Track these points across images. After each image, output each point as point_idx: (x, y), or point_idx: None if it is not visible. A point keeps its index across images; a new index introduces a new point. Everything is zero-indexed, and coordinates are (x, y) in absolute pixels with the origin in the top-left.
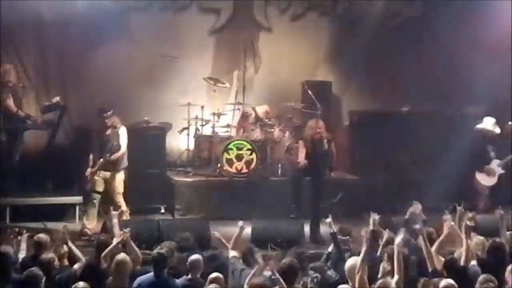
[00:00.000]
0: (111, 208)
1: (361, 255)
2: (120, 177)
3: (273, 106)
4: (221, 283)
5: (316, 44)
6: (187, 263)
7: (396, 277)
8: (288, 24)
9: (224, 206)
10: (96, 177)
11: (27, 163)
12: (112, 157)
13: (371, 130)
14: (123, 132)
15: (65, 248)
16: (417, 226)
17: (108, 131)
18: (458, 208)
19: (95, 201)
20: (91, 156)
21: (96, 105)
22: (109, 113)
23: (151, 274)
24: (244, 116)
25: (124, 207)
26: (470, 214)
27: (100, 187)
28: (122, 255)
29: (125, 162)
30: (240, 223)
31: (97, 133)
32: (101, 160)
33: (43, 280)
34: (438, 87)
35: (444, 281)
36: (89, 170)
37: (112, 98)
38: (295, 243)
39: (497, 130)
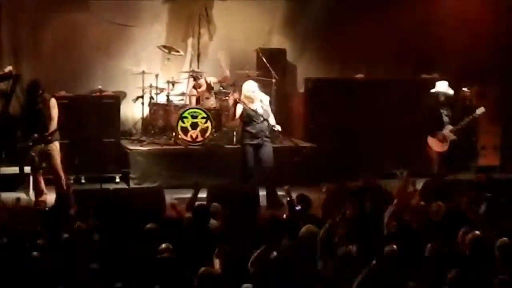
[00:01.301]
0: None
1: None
2: (56, 148)
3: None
4: (171, 253)
5: (270, 11)
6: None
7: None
8: None
9: (180, 174)
10: (32, 153)
11: None
12: (50, 129)
13: (326, 97)
14: (54, 104)
15: None
16: None
17: (39, 105)
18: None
19: (37, 175)
20: (19, 132)
21: (49, 75)
22: (39, 92)
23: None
24: (195, 79)
25: (63, 178)
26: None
27: (38, 162)
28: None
29: (57, 134)
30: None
31: (27, 107)
32: (35, 135)
33: None
34: (393, 54)
35: (388, 247)
36: (19, 145)
37: (65, 67)
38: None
39: (451, 92)
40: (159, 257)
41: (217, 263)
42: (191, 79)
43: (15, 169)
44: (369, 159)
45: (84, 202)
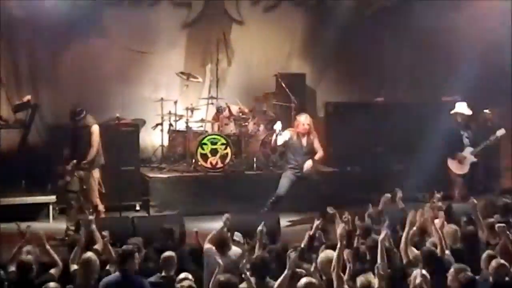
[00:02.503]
0: (88, 211)
1: (336, 251)
2: (95, 175)
3: (248, 99)
4: (191, 282)
5: (289, 36)
6: (160, 260)
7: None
8: (261, 15)
9: (200, 201)
10: (68, 177)
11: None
12: (88, 158)
13: (346, 121)
14: (95, 131)
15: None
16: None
17: (80, 131)
18: (436, 195)
19: (72, 201)
20: (65, 154)
21: (68, 102)
22: (81, 115)
23: (117, 273)
24: (218, 111)
25: (100, 206)
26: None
27: (75, 187)
28: (88, 254)
29: (99, 161)
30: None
31: (70, 133)
32: (74, 161)
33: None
34: (412, 77)
35: (416, 272)
36: (61, 167)
37: (84, 95)
38: (271, 237)
39: (469, 112)
40: (179, 286)
41: None
42: (213, 109)
43: (35, 199)
44: (390, 183)
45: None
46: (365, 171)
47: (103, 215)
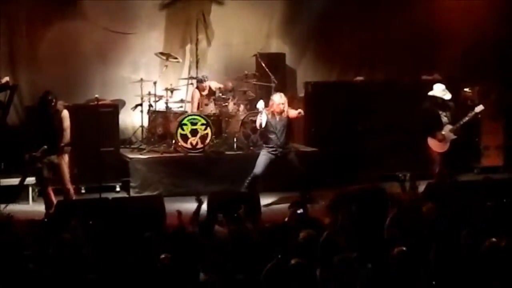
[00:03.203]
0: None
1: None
2: (66, 159)
3: (228, 79)
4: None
5: (268, 15)
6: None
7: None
8: None
9: (180, 182)
10: (40, 164)
11: None
12: (64, 140)
13: (326, 101)
14: (66, 115)
15: None
16: None
17: (51, 117)
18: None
19: (47, 186)
20: (32, 140)
21: (47, 84)
22: (52, 103)
23: None
24: (200, 82)
25: (72, 190)
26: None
27: (46, 172)
28: (65, 235)
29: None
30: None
31: (39, 118)
32: (45, 146)
33: None
34: (392, 56)
35: (397, 248)
36: (26, 156)
37: (63, 76)
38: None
39: (447, 96)
40: (159, 265)
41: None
42: (195, 82)
43: (15, 180)
44: (370, 162)
45: (83, 212)
46: (345, 150)
47: (74, 197)
